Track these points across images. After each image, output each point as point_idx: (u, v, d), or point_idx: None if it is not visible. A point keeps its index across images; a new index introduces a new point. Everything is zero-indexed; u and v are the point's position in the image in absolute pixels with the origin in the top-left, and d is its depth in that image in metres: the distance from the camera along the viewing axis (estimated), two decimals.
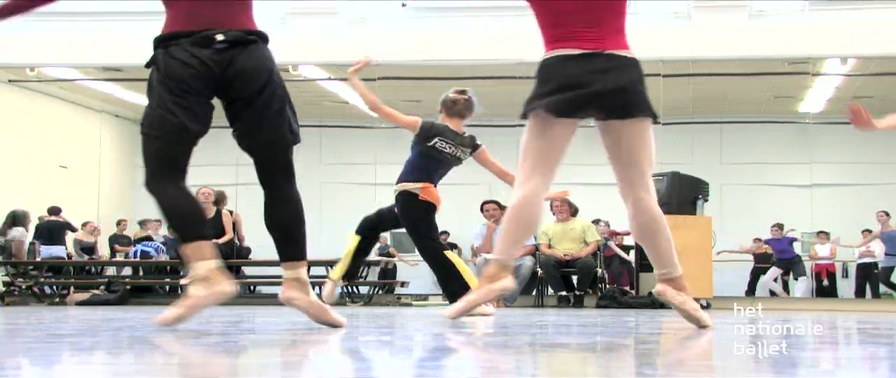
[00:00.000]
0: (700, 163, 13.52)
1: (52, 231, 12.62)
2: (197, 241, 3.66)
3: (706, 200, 10.32)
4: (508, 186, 6.80)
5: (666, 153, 9.92)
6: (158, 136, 3.68)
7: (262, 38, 3.76)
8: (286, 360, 2.67)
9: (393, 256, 15.56)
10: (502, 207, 10.25)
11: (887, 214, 13.69)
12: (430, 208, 6.28)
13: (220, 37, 3.62)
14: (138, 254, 12.32)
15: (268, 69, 3.71)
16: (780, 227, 14.66)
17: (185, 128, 3.66)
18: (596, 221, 12.06)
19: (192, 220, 3.71)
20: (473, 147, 6.40)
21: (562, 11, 3.88)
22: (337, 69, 13.75)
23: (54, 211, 12.86)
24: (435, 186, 6.34)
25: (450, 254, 6.29)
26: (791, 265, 14.59)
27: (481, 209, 10.31)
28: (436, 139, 6.25)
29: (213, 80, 3.66)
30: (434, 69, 12.59)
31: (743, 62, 12.83)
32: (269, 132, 3.75)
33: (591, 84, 3.80)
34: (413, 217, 6.28)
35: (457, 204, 14.92)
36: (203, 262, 3.62)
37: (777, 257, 14.57)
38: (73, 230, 13.09)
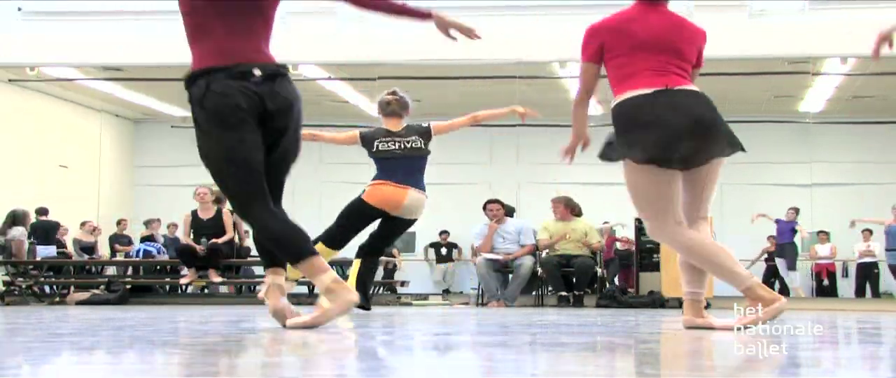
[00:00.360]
0: None
1: (47, 231, 12.63)
2: (307, 258, 3.78)
3: None
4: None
5: None
6: (228, 171, 3.80)
7: (286, 69, 3.93)
8: (287, 360, 2.67)
9: (394, 256, 15.58)
10: (505, 207, 10.23)
11: None
12: (370, 211, 6.57)
13: (257, 72, 3.77)
14: (141, 253, 12.31)
15: (299, 101, 3.90)
16: (796, 210, 14.67)
17: (248, 159, 3.77)
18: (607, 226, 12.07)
19: (296, 244, 3.82)
20: (423, 132, 6.67)
21: (635, 58, 3.99)
22: (337, 69, 13.73)
23: (43, 211, 12.88)
24: (403, 184, 6.58)
25: (319, 245, 6.39)
26: (784, 251, 14.56)
27: (484, 208, 10.29)
28: (376, 143, 6.67)
29: (257, 110, 3.77)
30: (434, 69, 12.57)
31: (743, 62, 12.79)
32: (294, 157, 3.96)
33: (679, 127, 3.89)
34: (347, 206, 6.67)
35: (457, 204, 14.92)
36: (323, 276, 3.76)
37: (777, 240, 14.58)
38: (58, 228, 13.11)
